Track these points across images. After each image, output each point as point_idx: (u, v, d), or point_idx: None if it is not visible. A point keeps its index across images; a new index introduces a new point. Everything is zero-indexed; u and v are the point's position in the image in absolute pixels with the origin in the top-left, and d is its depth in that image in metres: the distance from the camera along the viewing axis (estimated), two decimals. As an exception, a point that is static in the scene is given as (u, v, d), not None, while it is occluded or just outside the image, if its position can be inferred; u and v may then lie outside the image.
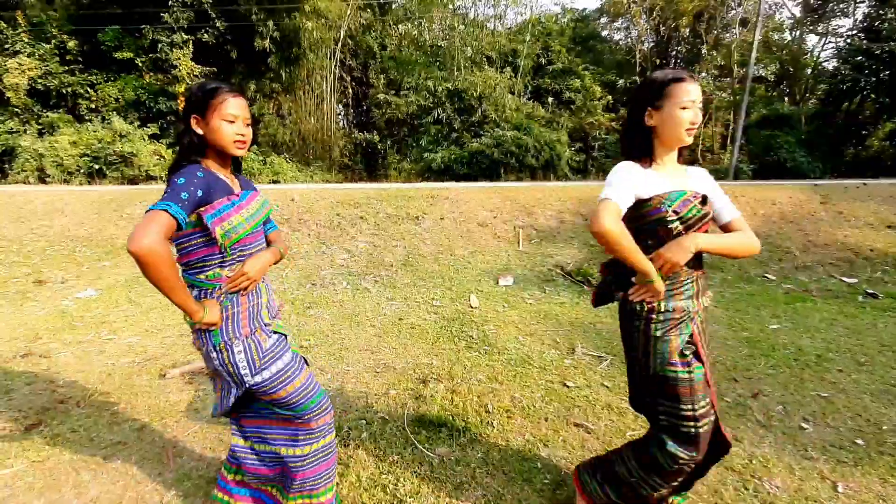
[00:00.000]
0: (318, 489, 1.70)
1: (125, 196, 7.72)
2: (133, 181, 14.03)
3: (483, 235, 6.44)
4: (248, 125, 1.51)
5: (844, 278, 5.54)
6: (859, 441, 2.40)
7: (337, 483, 1.85)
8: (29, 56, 15.26)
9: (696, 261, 1.54)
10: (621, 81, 20.07)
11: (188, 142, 1.46)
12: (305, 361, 1.71)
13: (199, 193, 1.36)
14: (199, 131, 1.45)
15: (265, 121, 17.64)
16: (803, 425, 2.54)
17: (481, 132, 14.84)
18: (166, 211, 1.26)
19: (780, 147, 15.26)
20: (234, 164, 1.60)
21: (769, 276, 5.64)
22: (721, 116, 21.13)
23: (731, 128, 18.86)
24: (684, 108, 1.46)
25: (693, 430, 1.51)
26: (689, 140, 1.51)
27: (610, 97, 18.60)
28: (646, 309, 1.53)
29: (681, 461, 1.53)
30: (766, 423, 2.57)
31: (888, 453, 2.31)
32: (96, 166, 14.12)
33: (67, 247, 6.21)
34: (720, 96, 20.86)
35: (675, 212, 1.47)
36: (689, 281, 1.53)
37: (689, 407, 1.50)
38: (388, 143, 20.12)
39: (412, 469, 2.15)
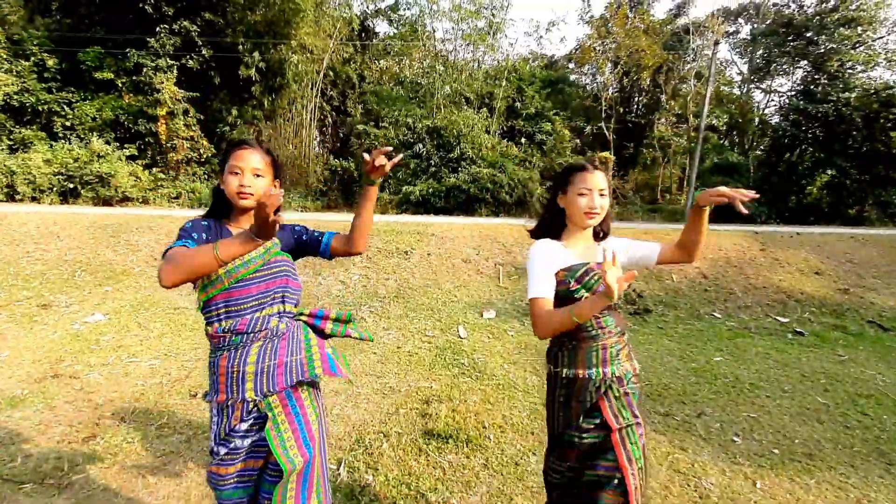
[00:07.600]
0: None
1: (121, 221, 7.95)
2: (108, 202, 14.05)
3: (467, 271, 7.03)
4: (257, 175, 1.46)
5: (778, 317, 6.38)
6: (776, 451, 3.05)
7: None
8: (6, 72, 15.22)
9: (598, 329, 1.64)
10: (588, 128, 21.45)
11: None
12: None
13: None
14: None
15: (246, 147, 17.96)
16: (734, 439, 3.18)
17: (459, 168, 15.62)
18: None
19: (729, 193, 16.68)
20: None
21: (716, 314, 6.43)
22: (679, 160, 22.80)
23: (686, 171, 20.39)
24: (581, 195, 1.62)
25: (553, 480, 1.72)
26: (590, 223, 1.66)
27: (578, 141, 19.88)
28: (553, 373, 1.69)
29: None
30: (706, 437, 3.19)
31: (797, 460, 2.95)
32: (70, 185, 14.08)
33: (66, 271, 6.41)
34: (678, 142, 22.58)
35: (577, 281, 1.61)
36: (592, 350, 1.63)
37: (567, 465, 1.67)
38: (366, 172, 20.68)
39: (428, 471, 2.64)
